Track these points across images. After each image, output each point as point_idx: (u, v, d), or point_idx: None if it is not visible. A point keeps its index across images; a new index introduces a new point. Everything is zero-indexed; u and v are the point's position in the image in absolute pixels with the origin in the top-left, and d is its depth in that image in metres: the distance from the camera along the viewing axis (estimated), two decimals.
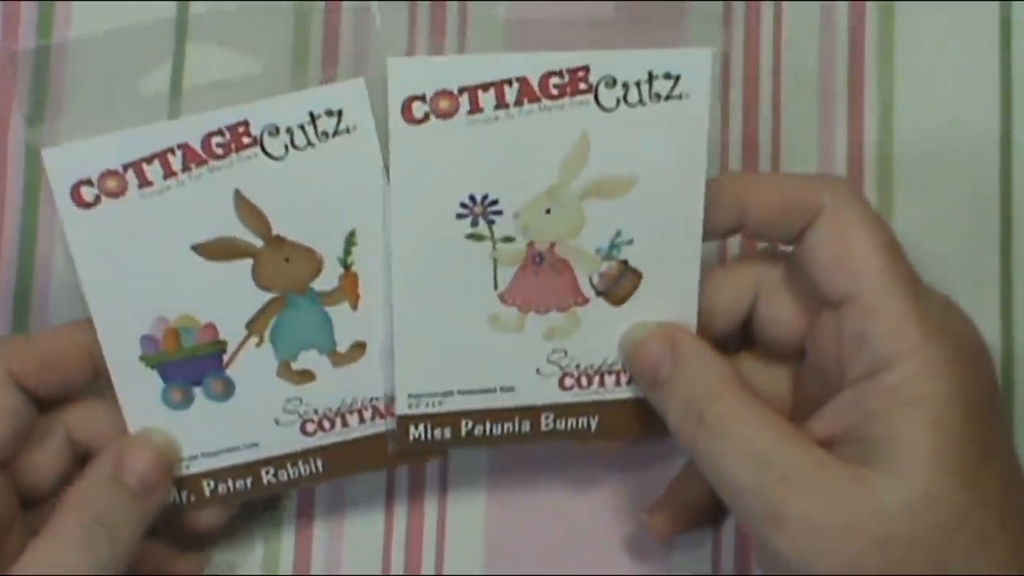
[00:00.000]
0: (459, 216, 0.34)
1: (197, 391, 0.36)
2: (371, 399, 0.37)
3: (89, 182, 0.34)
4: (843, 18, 0.42)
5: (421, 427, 0.36)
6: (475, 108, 0.34)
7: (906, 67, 0.42)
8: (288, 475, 0.37)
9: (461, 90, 0.33)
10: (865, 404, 0.32)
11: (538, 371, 0.36)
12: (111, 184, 0.34)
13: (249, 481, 0.37)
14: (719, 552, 0.41)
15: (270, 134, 0.34)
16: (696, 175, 0.35)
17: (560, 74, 0.34)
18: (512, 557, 0.41)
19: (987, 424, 0.32)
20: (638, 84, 0.34)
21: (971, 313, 0.33)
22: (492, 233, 0.35)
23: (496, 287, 0.35)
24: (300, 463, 0.37)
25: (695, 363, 0.34)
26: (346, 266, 0.35)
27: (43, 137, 0.34)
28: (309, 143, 0.34)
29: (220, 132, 0.34)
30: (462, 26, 0.43)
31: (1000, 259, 0.42)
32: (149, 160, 0.34)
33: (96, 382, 0.36)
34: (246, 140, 0.34)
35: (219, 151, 0.34)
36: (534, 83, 0.34)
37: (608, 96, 0.34)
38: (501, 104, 0.34)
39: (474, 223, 0.35)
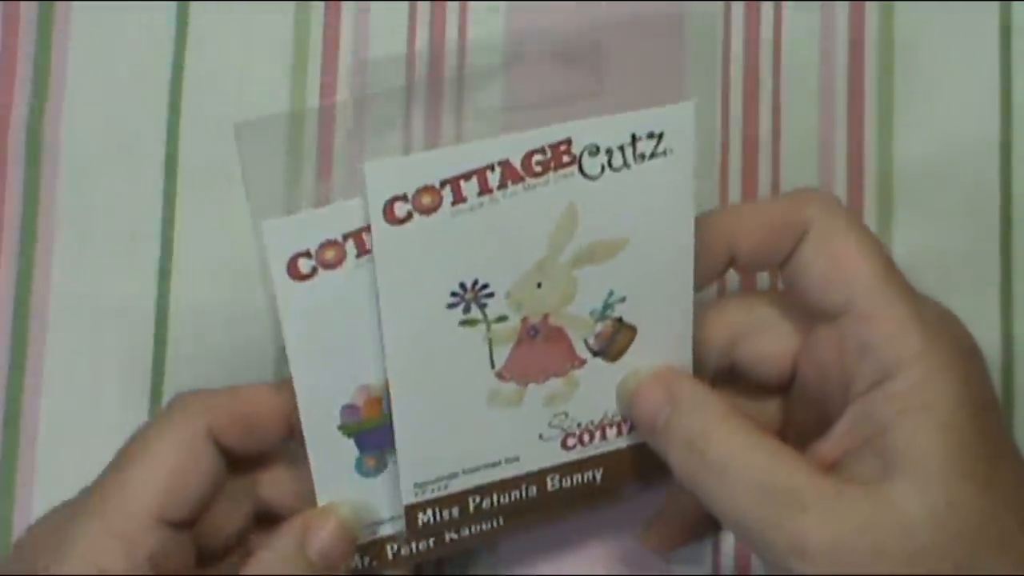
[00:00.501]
0: (450, 306, 0.34)
1: (391, 457, 0.35)
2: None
3: (308, 254, 0.33)
4: (843, 18, 0.42)
5: (429, 512, 0.36)
6: (458, 198, 0.33)
7: (906, 67, 0.42)
8: (471, 531, 0.36)
9: (443, 183, 0.32)
10: (875, 416, 0.32)
11: (540, 436, 0.36)
12: (329, 255, 0.33)
13: (432, 542, 0.36)
14: (718, 557, 0.41)
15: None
16: (685, 226, 0.34)
17: (542, 151, 0.33)
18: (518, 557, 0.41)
19: (993, 423, 0.32)
20: (621, 148, 0.33)
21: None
22: (485, 316, 0.34)
23: (493, 366, 0.35)
24: (483, 521, 0.36)
25: (692, 404, 0.34)
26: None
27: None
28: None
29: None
30: (462, 26, 0.43)
31: (1000, 259, 0.41)
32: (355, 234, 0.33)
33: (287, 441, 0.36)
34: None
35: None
36: (516, 164, 0.33)
37: (592, 164, 0.33)
38: (484, 190, 0.33)
39: (466, 310, 0.34)
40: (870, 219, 0.42)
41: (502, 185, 0.33)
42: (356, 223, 0.33)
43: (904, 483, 0.31)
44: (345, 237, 0.33)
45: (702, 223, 0.35)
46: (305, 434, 0.34)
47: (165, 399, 0.41)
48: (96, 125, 0.42)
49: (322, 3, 0.43)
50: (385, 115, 0.38)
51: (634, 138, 0.33)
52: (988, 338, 0.41)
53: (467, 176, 0.33)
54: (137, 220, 0.42)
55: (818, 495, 0.31)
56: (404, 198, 0.32)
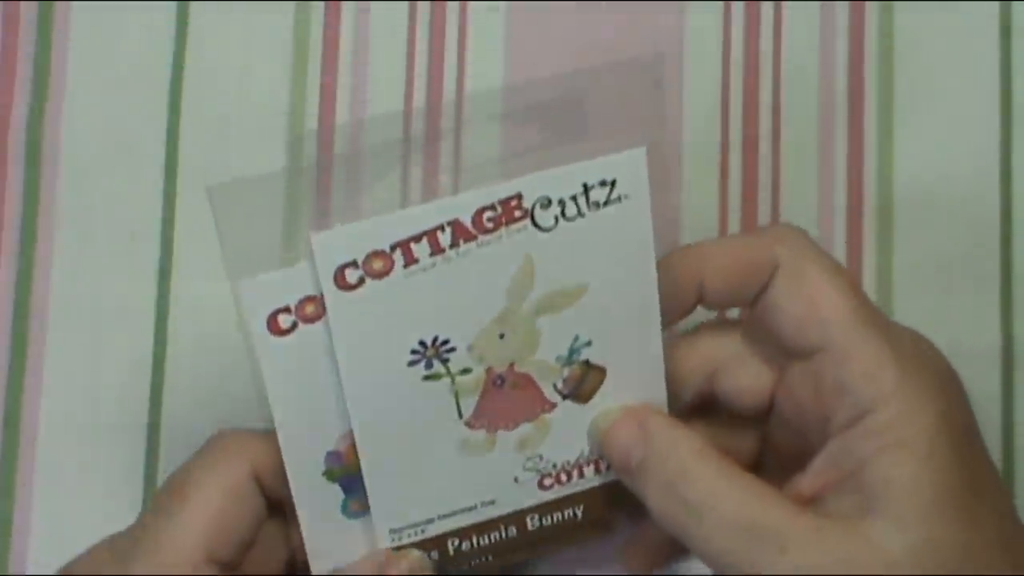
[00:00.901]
0: (411, 363, 0.34)
1: None
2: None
3: (287, 309, 0.33)
4: (843, 18, 0.42)
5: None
6: (410, 260, 0.32)
7: (906, 67, 0.42)
8: (457, 571, 0.36)
9: (393, 247, 0.32)
10: (854, 452, 0.32)
11: (516, 480, 0.36)
12: (308, 309, 0.33)
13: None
14: None
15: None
16: (646, 268, 0.34)
17: (492, 207, 0.33)
18: None
19: (973, 453, 0.32)
20: (574, 198, 0.33)
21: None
22: (449, 370, 0.34)
23: (461, 416, 0.34)
24: (466, 561, 0.36)
25: (667, 443, 0.34)
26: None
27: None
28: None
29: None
30: (462, 26, 0.43)
31: (1000, 260, 0.41)
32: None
33: None
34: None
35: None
36: (467, 223, 0.33)
37: (545, 216, 0.33)
38: (436, 251, 0.33)
39: (428, 365, 0.34)
40: (870, 220, 0.42)
41: (454, 244, 0.33)
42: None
43: (884, 520, 0.30)
44: (323, 292, 0.33)
45: (669, 261, 0.34)
46: (290, 481, 0.34)
47: (165, 399, 0.41)
48: (96, 125, 0.42)
49: (322, 3, 0.43)
50: (381, 168, 0.38)
51: (586, 187, 0.33)
52: (988, 338, 0.41)
53: (417, 239, 0.32)
54: (137, 220, 0.42)
55: (797, 534, 0.31)
56: (354, 264, 0.32)
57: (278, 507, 0.35)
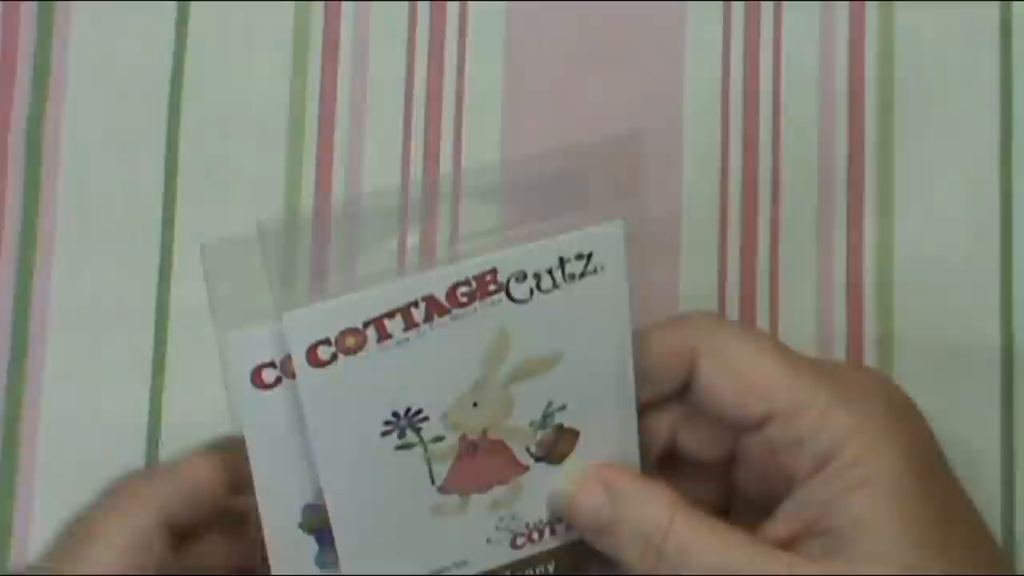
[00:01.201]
0: (384, 434, 0.33)
1: None
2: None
3: (272, 364, 0.33)
4: (843, 18, 0.42)
5: None
6: (384, 336, 0.32)
7: (906, 67, 0.42)
8: None
9: (366, 324, 0.32)
10: (820, 496, 0.32)
11: (488, 540, 0.35)
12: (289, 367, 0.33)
13: None
14: None
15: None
16: (621, 336, 0.34)
17: (467, 283, 0.33)
18: None
19: (940, 480, 0.33)
20: (550, 271, 0.33)
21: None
22: (422, 439, 0.34)
23: (434, 482, 0.34)
24: None
25: (637, 499, 0.34)
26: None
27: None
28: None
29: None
30: (462, 26, 0.43)
31: (1000, 259, 0.41)
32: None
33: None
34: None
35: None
36: (441, 298, 0.32)
37: (520, 289, 0.33)
38: (410, 326, 0.32)
39: (401, 435, 0.34)
40: (870, 215, 0.42)
41: (428, 319, 0.33)
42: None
43: (856, 558, 0.31)
44: (294, 369, 0.33)
45: None
46: (265, 531, 0.34)
47: (165, 400, 0.41)
48: (96, 125, 0.42)
49: (322, 3, 0.43)
50: (378, 231, 0.38)
51: (562, 261, 0.33)
52: (987, 337, 0.41)
53: (391, 315, 0.32)
54: (137, 220, 0.42)
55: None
56: (327, 342, 0.32)
57: (191, 535, 0.35)
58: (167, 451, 0.41)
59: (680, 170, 0.42)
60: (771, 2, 0.42)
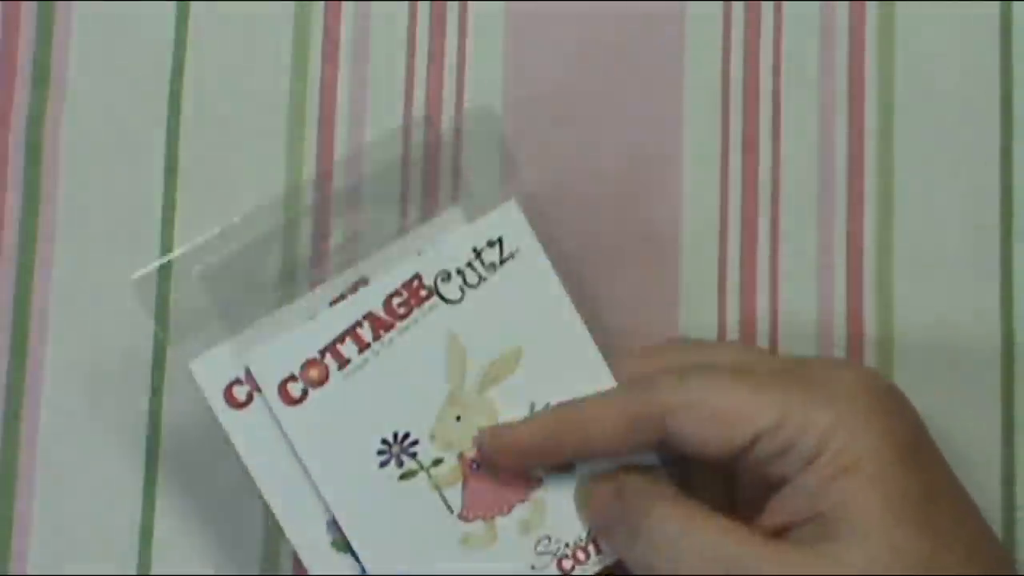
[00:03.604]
0: (382, 464, 0.34)
1: None
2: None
3: (239, 381, 0.34)
4: (843, 18, 0.42)
5: None
6: (343, 362, 0.34)
7: (906, 68, 0.42)
8: None
9: (323, 352, 0.34)
10: (807, 487, 0.33)
11: (533, 567, 0.35)
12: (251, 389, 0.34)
13: None
14: None
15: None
16: (567, 315, 0.35)
17: (397, 293, 0.34)
18: None
19: (924, 461, 0.33)
20: (470, 264, 0.34)
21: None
22: (421, 464, 0.34)
23: (452, 511, 0.35)
24: None
25: (640, 494, 0.34)
26: None
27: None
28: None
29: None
30: (462, 26, 0.43)
31: (1000, 259, 0.41)
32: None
33: None
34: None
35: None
36: (380, 312, 0.34)
37: (450, 289, 0.34)
38: (363, 346, 0.34)
39: (399, 463, 0.34)
40: (870, 216, 0.42)
41: (376, 337, 0.34)
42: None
43: (845, 539, 0.32)
44: (273, 412, 0.34)
45: (545, 421, 0.35)
46: (300, 556, 0.34)
47: (165, 400, 0.41)
48: (96, 125, 0.42)
49: (322, 3, 0.43)
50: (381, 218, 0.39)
51: (477, 251, 0.34)
52: (987, 337, 0.41)
53: (341, 339, 0.34)
54: (137, 220, 0.42)
55: (767, 560, 0.32)
56: (293, 378, 0.34)
57: None
58: (167, 451, 0.41)
59: (680, 170, 0.42)
60: (771, 2, 0.42)
